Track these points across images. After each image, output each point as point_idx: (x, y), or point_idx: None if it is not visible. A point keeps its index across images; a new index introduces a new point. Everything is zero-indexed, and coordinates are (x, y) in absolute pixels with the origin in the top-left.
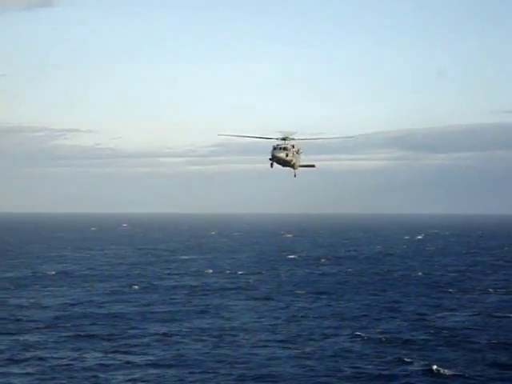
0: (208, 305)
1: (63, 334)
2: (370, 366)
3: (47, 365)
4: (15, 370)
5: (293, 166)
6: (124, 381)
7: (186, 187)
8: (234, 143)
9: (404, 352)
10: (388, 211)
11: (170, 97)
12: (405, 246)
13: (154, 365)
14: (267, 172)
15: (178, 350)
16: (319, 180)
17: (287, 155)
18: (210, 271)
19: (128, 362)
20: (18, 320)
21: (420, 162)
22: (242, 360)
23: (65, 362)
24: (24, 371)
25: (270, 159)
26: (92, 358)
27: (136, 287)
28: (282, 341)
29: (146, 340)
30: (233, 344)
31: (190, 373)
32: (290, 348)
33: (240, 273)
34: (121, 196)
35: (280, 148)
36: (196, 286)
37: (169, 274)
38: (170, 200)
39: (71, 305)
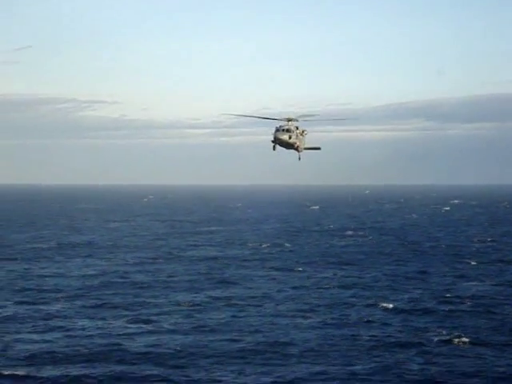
0: (231, 275)
1: (87, 304)
2: (391, 335)
3: (71, 334)
4: (38, 338)
5: (296, 149)
6: (147, 348)
7: (212, 158)
8: (258, 113)
9: (426, 321)
10: (413, 182)
11: (197, 69)
12: (430, 217)
13: (176, 332)
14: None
15: (200, 318)
16: (345, 151)
17: (290, 137)
18: (234, 242)
19: (150, 331)
20: (42, 290)
21: (445, 132)
22: (263, 328)
23: (88, 331)
24: (48, 340)
25: (273, 141)
26: (115, 326)
27: (160, 258)
28: (303, 310)
29: (168, 309)
30: (254, 313)
31: (211, 340)
32: (311, 317)
33: (264, 244)
34: (147, 167)
35: (283, 130)
36: (219, 257)
37: (193, 245)
38: (196, 171)
39: (95, 275)
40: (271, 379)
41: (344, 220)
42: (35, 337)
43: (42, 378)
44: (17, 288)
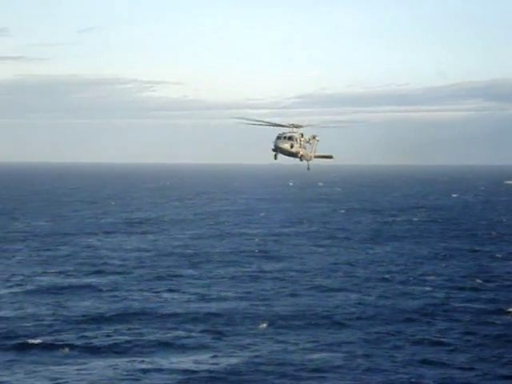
0: (275, 250)
1: (145, 277)
2: (429, 306)
3: (127, 303)
4: (99, 305)
5: (300, 158)
6: (197, 313)
7: (270, 139)
8: (317, 94)
9: (467, 294)
10: (472, 162)
11: (256, 49)
12: (484, 197)
13: (226, 300)
14: (349, 123)
15: (247, 288)
16: (399, 131)
17: (292, 146)
18: (284, 222)
19: (203, 297)
20: (104, 263)
21: (506, 112)
22: (301, 300)
23: (143, 301)
24: (105, 308)
25: (273, 150)
26: (170, 297)
27: (215, 235)
28: (341, 282)
29: (217, 280)
30: (293, 284)
31: (254, 305)
32: (352, 290)
33: (310, 222)
34: (206, 147)
35: (285, 137)
36: (264, 234)
37: (246, 222)
38: (254, 151)
39: (148, 250)
40: (317, 344)
41: (390, 198)
42: (97, 304)
43: (101, 339)
44: (81, 261)
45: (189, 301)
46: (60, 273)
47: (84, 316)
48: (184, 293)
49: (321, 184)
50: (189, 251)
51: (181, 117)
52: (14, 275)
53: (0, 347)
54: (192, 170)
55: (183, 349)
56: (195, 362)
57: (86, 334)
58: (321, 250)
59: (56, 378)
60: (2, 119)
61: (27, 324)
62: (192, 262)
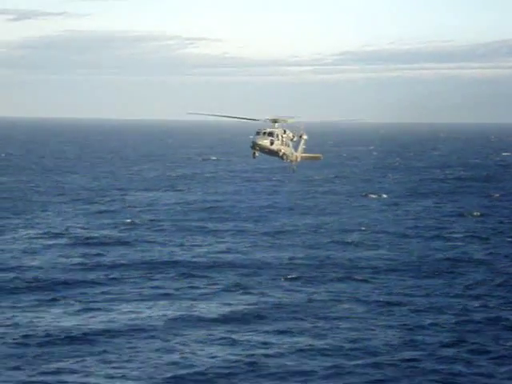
0: (311, 206)
1: (177, 230)
2: (459, 262)
3: (159, 254)
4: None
5: (282, 157)
6: (225, 263)
7: (311, 96)
8: (359, 51)
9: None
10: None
11: (298, 5)
12: None
13: (254, 252)
14: (392, 81)
15: (276, 240)
16: (444, 89)
17: (272, 143)
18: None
19: (232, 249)
20: (139, 217)
21: None
22: (330, 253)
23: (186, 246)
24: (137, 258)
25: (252, 147)
26: (200, 249)
27: (247, 191)
28: (373, 238)
29: (248, 234)
30: (323, 237)
31: (281, 258)
32: (382, 246)
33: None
34: (246, 104)
35: (264, 133)
36: (298, 190)
37: (280, 180)
38: (295, 109)
39: (190, 203)
40: (344, 295)
41: (443, 158)
42: (131, 255)
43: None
44: (133, 212)
45: (218, 252)
46: (99, 226)
47: (116, 265)
48: (213, 245)
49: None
50: (221, 206)
51: (221, 74)
52: (54, 227)
53: (35, 293)
54: (232, 128)
55: (210, 296)
56: (225, 305)
57: (116, 280)
58: (356, 205)
59: (89, 318)
60: (47, 75)
61: (61, 274)
62: (223, 216)
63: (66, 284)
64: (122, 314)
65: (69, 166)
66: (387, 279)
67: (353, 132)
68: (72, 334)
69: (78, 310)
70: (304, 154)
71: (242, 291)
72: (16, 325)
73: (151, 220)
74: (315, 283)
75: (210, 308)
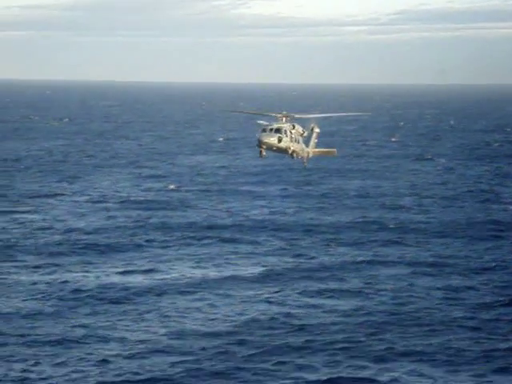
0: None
1: (225, 193)
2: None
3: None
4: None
5: (291, 155)
6: (269, 223)
7: (367, 57)
8: (416, 10)
9: None
10: None
11: None
12: None
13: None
14: (450, 41)
15: (319, 204)
16: (505, 48)
17: (280, 140)
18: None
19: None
20: (182, 180)
21: None
22: (372, 215)
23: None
24: (197, 219)
25: (258, 146)
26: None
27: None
28: (423, 203)
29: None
30: (378, 201)
31: (337, 221)
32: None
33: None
34: (298, 66)
35: (271, 129)
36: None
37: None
38: (348, 70)
39: (238, 167)
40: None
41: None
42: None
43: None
44: (181, 176)
45: (265, 214)
46: (147, 189)
47: (161, 227)
48: (259, 208)
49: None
50: (270, 170)
51: (274, 35)
52: (103, 190)
53: (81, 254)
54: (284, 90)
55: (254, 257)
56: (268, 266)
57: (160, 242)
58: (410, 169)
59: (133, 278)
60: (98, 37)
61: (107, 236)
62: (271, 180)
63: (112, 246)
64: (166, 275)
65: (119, 131)
66: (435, 242)
67: (413, 95)
68: (116, 294)
69: (123, 272)
70: (316, 149)
71: (287, 253)
72: (62, 284)
73: (198, 184)
74: (362, 246)
75: (253, 269)
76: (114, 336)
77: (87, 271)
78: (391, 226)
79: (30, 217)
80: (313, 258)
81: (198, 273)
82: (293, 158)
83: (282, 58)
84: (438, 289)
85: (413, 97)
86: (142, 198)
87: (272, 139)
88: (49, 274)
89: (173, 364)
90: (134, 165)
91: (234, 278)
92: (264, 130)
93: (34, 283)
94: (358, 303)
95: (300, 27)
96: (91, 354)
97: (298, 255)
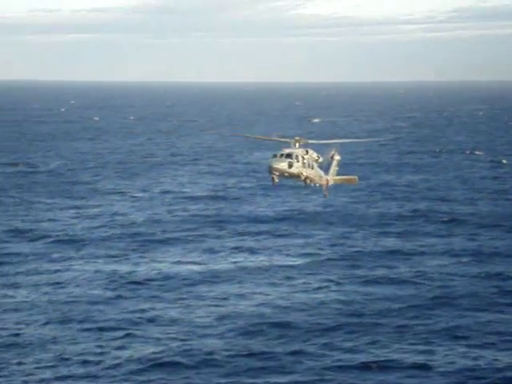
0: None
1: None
2: None
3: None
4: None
5: (305, 182)
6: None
7: (423, 55)
8: (475, 8)
9: None
10: None
11: None
12: None
13: None
14: (503, 38)
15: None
16: None
17: (291, 165)
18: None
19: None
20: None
21: None
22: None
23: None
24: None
25: (269, 172)
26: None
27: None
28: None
29: None
30: (428, 194)
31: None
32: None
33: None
34: (357, 65)
35: (282, 155)
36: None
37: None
38: (406, 68)
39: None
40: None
41: None
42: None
43: None
44: (238, 172)
45: (315, 206)
46: (204, 185)
47: (220, 220)
48: (310, 201)
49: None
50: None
51: (331, 35)
52: (161, 186)
53: (136, 244)
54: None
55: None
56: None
57: (209, 235)
58: (462, 163)
59: (183, 266)
60: (154, 39)
61: (162, 228)
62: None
63: (170, 238)
64: (219, 265)
65: (181, 130)
66: (483, 234)
67: (469, 91)
68: (173, 282)
69: (179, 262)
70: (337, 177)
71: (337, 244)
72: (123, 272)
73: (254, 179)
74: (410, 236)
75: (304, 259)
76: (171, 319)
77: (146, 262)
78: (440, 218)
79: (94, 211)
80: (362, 247)
81: (251, 262)
82: (306, 184)
83: (336, 57)
84: (484, 277)
85: (468, 93)
86: (199, 194)
87: (282, 164)
88: (110, 263)
89: (224, 344)
90: (194, 162)
91: (284, 267)
92: (275, 156)
93: (97, 271)
94: (405, 290)
95: (356, 26)
96: (149, 337)
97: (349, 246)
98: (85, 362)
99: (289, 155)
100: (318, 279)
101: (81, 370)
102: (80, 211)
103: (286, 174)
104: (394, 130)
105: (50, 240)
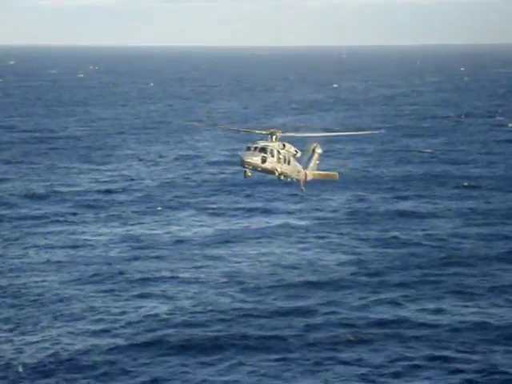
0: None
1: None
2: None
3: None
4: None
5: (279, 178)
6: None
7: (447, 18)
8: None
9: None
10: None
11: None
12: None
13: None
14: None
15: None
16: None
17: (264, 160)
18: None
19: None
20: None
21: None
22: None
23: None
24: None
25: (241, 165)
26: None
27: None
28: None
29: None
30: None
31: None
32: None
33: None
34: (376, 28)
35: (255, 148)
36: None
37: None
38: (428, 31)
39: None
40: None
41: None
42: None
43: None
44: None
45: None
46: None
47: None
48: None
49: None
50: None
51: None
52: (195, 149)
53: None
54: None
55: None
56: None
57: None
58: (486, 128)
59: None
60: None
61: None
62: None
63: (182, 201)
64: (234, 226)
65: (203, 95)
66: (495, 196)
67: None
68: (180, 243)
69: (191, 224)
70: (316, 172)
71: (342, 203)
72: (137, 233)
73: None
74: (423, 199)
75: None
76: (185, 279)
77: (162, 224)
78: (456, 181)
79: (112, 175)
80: (376, 209)
81: (266, 224)
82: (280, 180)
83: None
84: (495, 238)
85: (489, 56)
86: (217, 159)
87: (255, 159)
88: (126, 226)
89: (235, 303)
90: (212, 128)
91: (298, 229)
92: (248, 149)
93: (114, 234)
94: (416, 250)
95: None
96: (164, 295)
97: (364, 208)
98: (101, 320)
99: (263, 149)
100: (331, 240)
101: (98, 327)
102: (98, 176)
103: (259, 169)
104: (415, 95)
105: (69, 204)
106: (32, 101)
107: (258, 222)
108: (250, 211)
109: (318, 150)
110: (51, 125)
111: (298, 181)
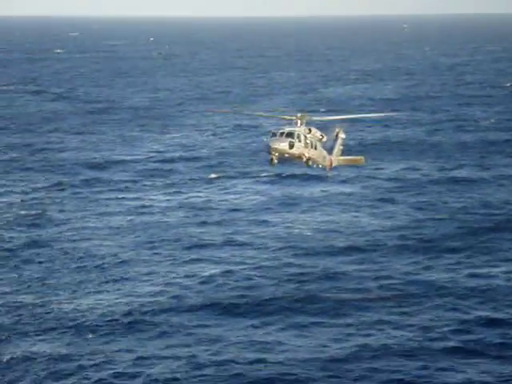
0: None
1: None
2: None
3: None
4: None
5: (307, 163)
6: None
7: None
8: None
9: None
10: None
11: None
12: None
13: None
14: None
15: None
16: None
17: (292, 146)
18: None
19: None
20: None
21: None
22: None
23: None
24: None
25: (268, 152)
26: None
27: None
28: None
29: None
30: None
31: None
32: None
33: None
34: None
35: (282, 134)
36: None
37: None
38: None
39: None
40: None
41: None
42: None
43: None
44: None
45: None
46: None
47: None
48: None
49: None
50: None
51: None
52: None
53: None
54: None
55: None
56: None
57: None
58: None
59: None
60: None
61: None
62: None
63: (237, 170)
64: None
65: (258, 66)
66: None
67: None
68: (234, 210)
69: (244, 191)
70: (341, 157)
71: (356, 179)
72: (186, 201)
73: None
74: (479, 167)
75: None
76: (239, 243)
77: (219, 190)
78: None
79: (171, 144)
80: (430, 176)
81: (318, 190)
82: (308, 166)
83: None
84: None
85: None
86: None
87: (283, 145)
88: (183, 192)
89: (285, 265)
90: (270, 98)
91: (347, 195)
92: (274, 134)
93: (171, 200)
94: (467, 217)
95: None
96: (218, 259)
97: (418, 175)
98: (159, 283)
99: (290, 134)
100: (384, 207)
101: (156, 289)
102: (157, 145)
103: (287, 155)
104: (474, 64)
105: (129, 172)
106: (94, 72)
107: (312, 189)
108: (305, 180)
109: (342, 135)
110: (113, 96)
111: (324, 167)
